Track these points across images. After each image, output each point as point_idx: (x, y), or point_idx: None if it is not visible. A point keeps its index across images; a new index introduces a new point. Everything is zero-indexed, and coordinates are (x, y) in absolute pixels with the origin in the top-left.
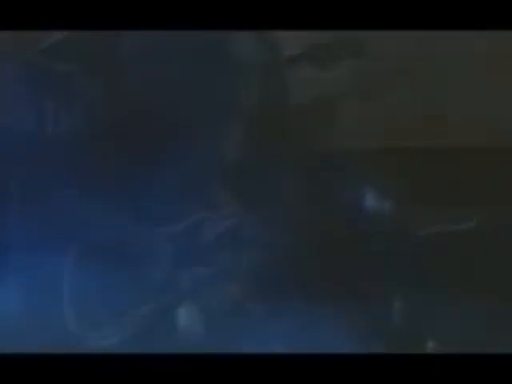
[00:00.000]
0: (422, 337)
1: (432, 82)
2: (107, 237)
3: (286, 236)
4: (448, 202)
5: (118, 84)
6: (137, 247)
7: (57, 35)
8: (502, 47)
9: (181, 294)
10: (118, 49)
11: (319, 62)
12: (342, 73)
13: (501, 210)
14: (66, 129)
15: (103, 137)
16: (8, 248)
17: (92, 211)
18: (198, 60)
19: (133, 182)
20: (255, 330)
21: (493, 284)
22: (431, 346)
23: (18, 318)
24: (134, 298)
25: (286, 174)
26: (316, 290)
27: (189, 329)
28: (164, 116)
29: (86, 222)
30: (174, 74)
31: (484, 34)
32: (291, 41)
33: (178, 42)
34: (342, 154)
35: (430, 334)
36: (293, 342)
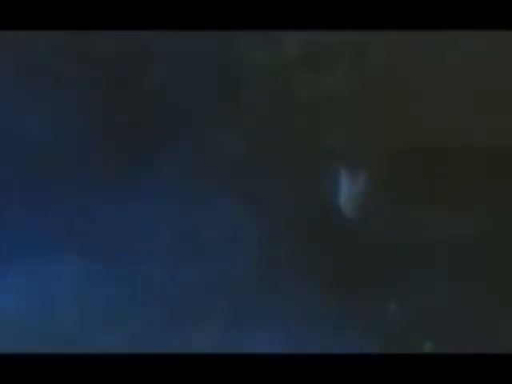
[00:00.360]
0: (421, 337)
1: (432, 82)
2: (107, 236)
3: (286, 236)
4: (448, 202)
5: (118, 83)
6: (137, 247)
7: (57, 35)
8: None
9: (181, 293)
10: (119, 49)
11: (320, 63)
12: (342, 74)
13: (501, 210)
14: (67, 128)
15: (103, 136)
16: (8, 247)
17: (91, 211)
18: (198, 60)
19: (133, 181)
20: (254, 330)
21: (493, 284)
22: (430, 346)
23: (17, 318)
24: (134, 297)
25: (286, 174)
26: (316, 289)
27: (188, 328)
28: (164, 116)
29: (85, 222)
30: (174, 73)
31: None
32: (292, 42)
33: (178, 42)
34: (341, 155)
35: (429, 334)
36: (292, 343)
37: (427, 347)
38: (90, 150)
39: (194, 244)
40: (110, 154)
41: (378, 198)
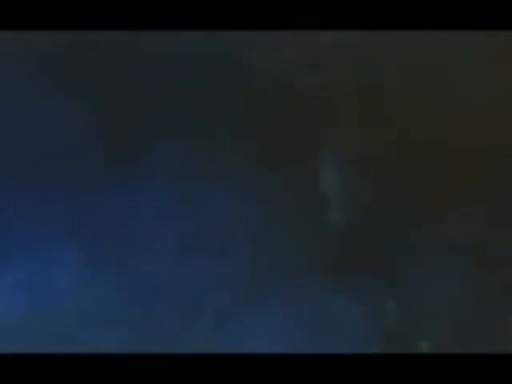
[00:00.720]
0: (421, 337)
1: (432, 82)
2: (109, 236)
3: (285, 237)
4: (448, 202)
5: (118, 83)
6: (138, 246)
7: (57, 35)
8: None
9: (184, 292)
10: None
11: (320, 63)
12: (343, 74)
13: (501, 210)
14: (67, 127)
15: (104, 136)
16: (8, 247)
17: (91, 210)
18: (198, 61)
19: (134, 180)
20: (254, 329)
21: (492, 283)
22: (429, 346)
23: (17, 318)
24: (134, 297)
25: (286, 173)
26: (315, 289)
27: (187, 328)
28: (164, 115)
29: (85, 222)
30: (174, 74)
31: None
32: (292, 42)
33: (179, 43)
34: (341, 154)
35: (429, 335)
36: (292, 343)
37: (426, 347)
38: (90, 149)
39: (196, 242)
40: (111, 153)
41: (378, 199)
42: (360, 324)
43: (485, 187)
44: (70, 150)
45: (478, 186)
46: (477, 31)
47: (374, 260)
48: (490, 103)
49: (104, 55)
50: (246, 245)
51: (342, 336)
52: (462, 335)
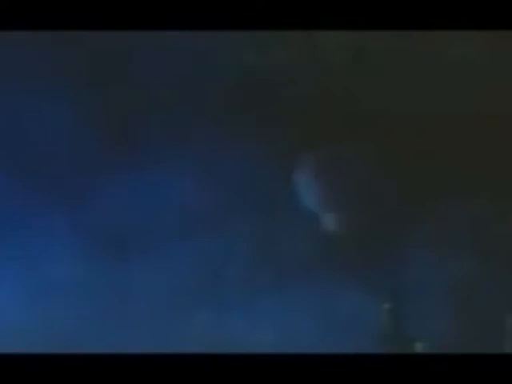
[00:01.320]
0: (419, 337)
1: (432, 82)
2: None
3: (285, 237)
4: (448, 201)
5: (118, 80)
6: (139, 245)
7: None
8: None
9: (183, 292)
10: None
11: (319, 63)
12: (343, 74)
13: (500, 210)
14: (68, 121)
15: (104, 135)
16: (9, 246)
17: (93, 209)
18: (198, 61)
19: (134, 180)
20: (254, 328)
21: (491, 284)
22: (428, 347)
23: (19, 318)
24: (133, 297)
25: (284, 172)
26: (315, 290)
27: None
28: (164, 116)
29: (87, 221)
30: (175, 75)
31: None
32: (293, 42)
33: (179, 44)
34: (341, 153)
35: (428, 335)
36: (292, 342)
37: (425, 347)
38: (90, 148)
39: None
40: (115, 153)
41: (377, 200)
42: (359, 324)
43: (484, 186)
44: (70, 149)
45: (478, 186)
46: (477, 31)
47: (372, 261)
48: (490, 102)
49: (104, 55)
50: (244, 244)
51: (342, 336)
52: (461, 335)
